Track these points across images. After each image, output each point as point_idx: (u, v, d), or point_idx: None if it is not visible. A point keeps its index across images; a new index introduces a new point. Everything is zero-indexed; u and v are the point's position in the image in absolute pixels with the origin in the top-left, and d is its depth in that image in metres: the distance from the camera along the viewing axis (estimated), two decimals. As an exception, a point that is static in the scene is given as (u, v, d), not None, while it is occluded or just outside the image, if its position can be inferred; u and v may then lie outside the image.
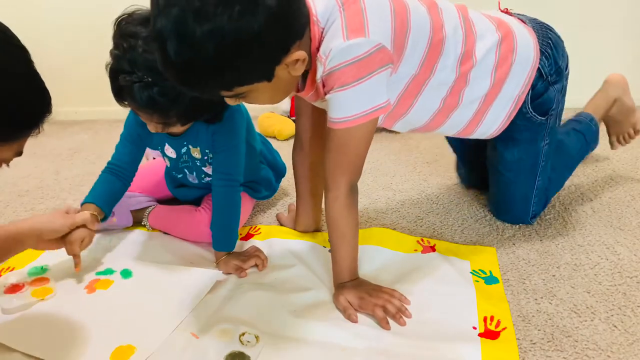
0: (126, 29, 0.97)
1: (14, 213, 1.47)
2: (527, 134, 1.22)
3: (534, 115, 1.18)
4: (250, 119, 1.28)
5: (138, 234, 1.31)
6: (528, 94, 1.16)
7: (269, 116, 2.11)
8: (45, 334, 0.96)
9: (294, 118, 2.11)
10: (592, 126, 1.47)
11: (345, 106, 0.92)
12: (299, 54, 0.86)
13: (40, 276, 1.12)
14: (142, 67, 0.94)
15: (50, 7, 2.19)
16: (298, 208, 1.29)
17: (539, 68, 1.15)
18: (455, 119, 1.15)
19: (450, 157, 1.78)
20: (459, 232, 1.32)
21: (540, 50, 1.15)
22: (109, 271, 1.14)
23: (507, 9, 1.24)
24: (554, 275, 1.13)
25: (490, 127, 1.19)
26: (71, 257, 1.10)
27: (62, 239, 1.08)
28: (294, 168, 1.26)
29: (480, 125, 1.18)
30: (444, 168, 1.71)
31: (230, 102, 0.93)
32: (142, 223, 1.33)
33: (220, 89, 0.87)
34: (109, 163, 1.22)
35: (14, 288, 1.07)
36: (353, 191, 1.01)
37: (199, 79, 0.82)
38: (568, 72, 1.23)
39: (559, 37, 1.21)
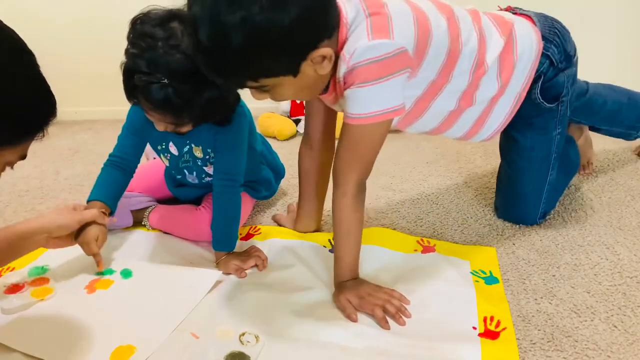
0: (143, 29, 0.96)
1: (14, 213, 1.47)
2: (539, 121, 1.24)
3: (542, 102, 1.20)
4: (253, 120, 1.28)
5: (138, 234, 1.31)
6: (536, 83, 1.18)
7: (269, 116, 2.11)
8: (45, 334, 0.96)
9: (294, 118, 2.13)
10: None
11: (362, 103, 0.94)
12: (325, 50, 0.88)
13: (40, 276, 1.11)
14: (161, 68, 0.94)
15: (50, 7, 2.18)
16: (300, 207, 1.29)
17: (548, 55, 1.17)
18: (463, 119, 1.17)
19: (450, 157, 1.78)
20: (459, 232, 1.32)
21: (547, 39, 1.18)
22: (109, 271, 1.14)
23: (509, 6, 1.26)
24: (554, 275, 1.13)
25: (492, 125, 1.21)
26: (71, 257, 1.10)
27: (71, 236, 1.09)
28: (299, 166, 1.26)
29: (484, 125, 1.20)
30: (444, 168, 1.71)
31: (255, 95, 0.94)
32: (142, 223, 1.33)
33: (247, 79, 0.89)
34: (111, 155, 1.22)
35: (14, 288, 1.07)
36: (361, 189, 1.03)
37: (227, 66, 0.85)
38: (576, 60, 1.25)
39: (564, 27, 1.23)
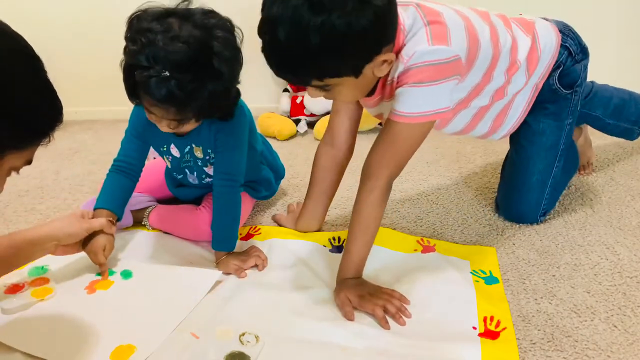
0: (141, 25, 0.96)
1: (14, 213, 1.47)
2: (553, 106, 1.27)
3: (559, 88, 1.24)
4: (253, 120, 1.29)
5: (138, 234, 1.31)
6: (555, 72, 1.23)
7: (269, 116, 2.10)
8: (45, 333, 0.96)
9: (293, 118, 2.13)
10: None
11: (413, 102, 0.97)
12: (389, 55, 0.94)
13: (40, 276, 1.11)
14: (162, 60, 0.93)
15: (50, 7, 2.18)
16: (305, 205, 1.29)
17: (567, 47, 1.23)
18: (488, 114, 1.22)
19: (450, 157, 1.78)
20: (459, 232, 1.32)
21: (564, 33, 1.24)
22: (109, 272, 1.14)
23: (520, 14, 1.30)
24: (554, 275, 1.13)
25: (511, 119, 1.26)
26: (71, 257, 1.10)
27: (79, 244, 1.10)
28: (315, 163, 1.26)
29: (505, 119, 1.25)
30: (444, 168, 1.71)
31: (312, 93, 0.97)
32: (142, 223, 1.33)
33: (315, 77, 0.93)
34: (115, 160, 1.22)
35: (14, 288, 1.07)
36: (388, 187, 1.04)
37: (300, 64, 0.89)
38: (589, 54, 1.30)
39: (573, 27, 1.29)
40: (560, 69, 1.23)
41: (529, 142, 1.30)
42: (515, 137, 1.34)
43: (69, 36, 2.22)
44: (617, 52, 2.18)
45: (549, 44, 1.21)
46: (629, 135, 1.56)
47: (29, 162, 0.75)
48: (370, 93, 1.05)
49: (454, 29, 1.00)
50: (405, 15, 0.99)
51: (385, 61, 0.94)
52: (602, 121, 1.49)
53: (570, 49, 1.23)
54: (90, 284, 1.10)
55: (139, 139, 1.21)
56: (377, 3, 0.85)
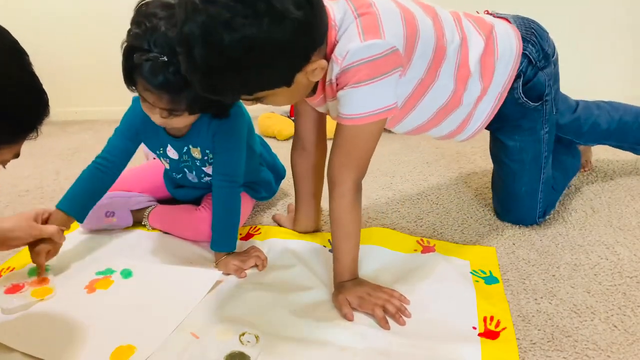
0: (147, 10, 0.96)
1: (13, 213, 1.47)
2: (525, 122, 1.24)
3: (526, 101, 1.21)
4: (251, 120, 1.28)
5: (138, 234, 1.31)
6: (517, 82, 1.18)
7: (269, 116, 2.10)
8: (45, 334, 0.96)
9: (293, 118, 2.12)
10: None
11: (356, 103, 0.94)
12: (321, 62, 0.90)
13: (41, 276, 1.11)
14: (161, 45, 0.93)
15: (50, 8, 2.19)
16: (297, 209, 1.29)
17: (527, 54, 1.18)
18: (450, 119, 1.18)
19: (450, 157, 1.78)
20: (459, 232, 1.32)
21: (525, 39, 1.19)
22: (109, 271, 1.14)
23: (487, 10, 1.28)
24: (554, 275, 1.13)
25: (474, 125, 1.22)
26: (71, 256, 1.10)
27: (27, 243, 1.08)
28: (293, 169, 1.26)
29: (468, 125, 1.21)
30: (444, 168, 1.71)
31: (247, 104, 0.95)
32: (142, 223, 1.33)
33: (242, 94, 0.91)
34: (98, 157, 1.20)
35: (15, 288, 1.07)
36: (358, 189, 1.03)
37: (223, 85, 0.85)
38: (556, 59, 1.26)
39: (542, 27, 1.24)
40: (521, 78, 1.18)
41: (510, 160, 1.28)
42: (496, 155, 1.33)
43: (69, 36, 2.22)
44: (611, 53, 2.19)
45: (508, 50, 1.15)
46: (633, 151, 1.52)
47: (17, 155, 0.75)
48: (312, 92, 1.02)
49: (387, 17, 0.94)
50: (336, 9, 0.95)
51: (317, 67, 0.90)
52: (581, 143, 1.45)
53: (530, 56, 1.18)
54: (90, 283, 1.10)
55: (129, 140, 1.20)
56: (294, 16, 0.80)
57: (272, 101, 0.94)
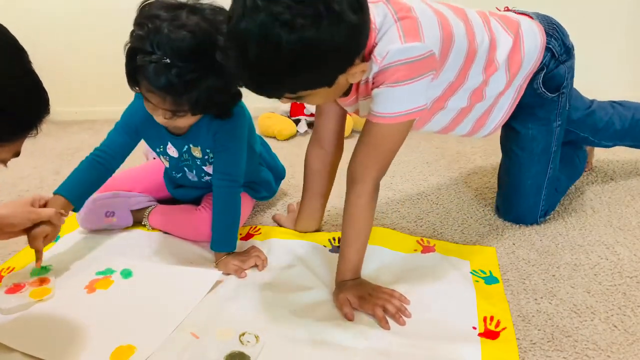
0: (150, 12, 0.96)
1: (14, 213, 1.47)
2: (541, 111, 1.25)
3: (544, 92, 1.22)
4: (252, 121, 1.28)
5: (138, 234, 1.31)
6: (538, 74, 1.20)
7: (269, 116, 2.10)
8: (45, 334, 0.96)
9: (293, 118, 2.13)
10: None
11: (391, 102, 0.96)
12: (362, 65, 0.92)
13: (42, 276, 1.11)
14: (165, 47, 0.93)
15: (50, 8, 2.18)
16: (302, 206, 1.29)
17: (550, 48, 1.20)
18: (471, 115, 1.20)
19: (450, 157, 1.78)
20: (459, 232, 1.32)
21: (548, 33, 1.21)
22: (109, 271, 1.14)
23: (507, 7, 1.29)
24: (554, 275, 1.13)
25: (494, 119, 1.23)
26: (71, 256, 1.09)
27: (24, 230, 1.06)
28: (306, 165, 1.25)
29: (488, 119, 1.23)
30: (444, 168, 1.71)
31: (284, 101, 0.95)
32: (142, 223, 1.33)
33: (287, 92, 0.91)
34: (96, 149, 1.20)
35: (15, 288, 1.07)
36: (376, 189, 1.04)
37: (271, 83, 0.87)
38: (574, 53, 1.27)
39: (560, 24, 1.26)
40: (544, 71, 1.20)
41: (520, 148, 1.29)
42: (506, 144, 1.34)
43: (70, 36, 2.22)
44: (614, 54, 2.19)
45: (534, 46, 1.18)
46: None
47: (17, 154, 0.75)
48: (346, 93, 1.04)
49: (426, 22, 0.97)
50: (376, 12, 0.96)
51: (358, 70, 0.92)
52: (597, 143, 1.46)
53: (554, 50, 1.20)
54: (90, 283, 1.10)
55: (128, 136, 1.20)
56: (350, 19, 0.82)
57: (310, 100, 0.96)
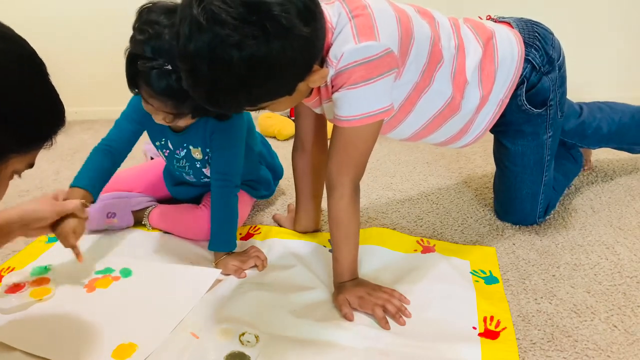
0: (150, 17, 0.97)
1: (14, 213, 1.47)
2: (528, 127, 1.23)
3: (530, 108, 1.20)
4: (252, 120, 1.28)
5: (138, 234, 1.31)
6: (519, 88, 1.17)
7: (269, 116, 2.10)
8: (46, 332, 0.96)
9: (293, 118, 2.12)
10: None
11: (352, 105, 0.94)
12: (322, 72, 0.90)
13: (42, 276, 1.11)
14: (165, 54, 0.93)
15: (50, 9, 2.18)
16: (298, 209, 1.29)
17: (529, 60, 1.17)
18: (448, 126, 1.18)
19: (450, 157, 1.78)
20: (459, 232, 1.32)
21: (528, 44, 1.17)
22: (109, 270, 1.14)
23: (489, 15, 1.27)
24: (554, 275, 1.13)
25: (473, 132, 1.22)
26: (72, 256, 1.09)
27: (50, 226, 1.05)
28: (294, 169, 1.26)
29: (467, 132, 1.21)
30: (444, 168, 1.71)
31: (249, 111, 0.95)
32: (143, 223, 1.33)
33: (246, 106, 0.91)
34: (104, 140, 1.20)
35: (15, 288, 1.07)
36: (356, 190, 1.02)
37: (228, 99, 0.85)
38: (562, 62, 1.23)
39: (546, 30, 1.23)
40: (525, 84, 1.17)
41: (511, 163, 1.28)
42: (498, 158, 1.33)
43: (69, 36, 2.22)
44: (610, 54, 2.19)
45: (509, 56, 1.14)
46: (629, 151, 1.54)
47: (31, 165, 0.75)
48: (307, 95, 1.02)
49: (382, 19, 0.94)
50: (332, 12, 0.94)
51: (317, 77, 0.91)
52: (584, 146, 1.46)
53: (534, 61, 1.16)
54: (90, 282, 1.10)
55: (137, 123, 1.20)
56: (301, 32, 0.80)
57: (273, 108, 0.95)
